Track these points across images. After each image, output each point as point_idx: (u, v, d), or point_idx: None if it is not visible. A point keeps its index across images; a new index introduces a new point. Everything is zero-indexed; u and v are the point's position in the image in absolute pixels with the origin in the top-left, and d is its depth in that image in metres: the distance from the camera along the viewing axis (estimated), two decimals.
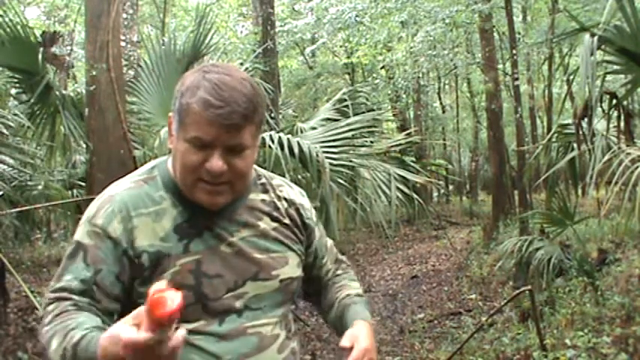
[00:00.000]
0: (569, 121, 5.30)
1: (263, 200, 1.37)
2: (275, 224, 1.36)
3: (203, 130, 1.17)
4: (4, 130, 4.74)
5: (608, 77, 5.15)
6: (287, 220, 1.39)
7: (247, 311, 1.28)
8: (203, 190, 1.22)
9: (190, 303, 1.21)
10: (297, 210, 1.42)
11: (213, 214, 1.28)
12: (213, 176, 1.20)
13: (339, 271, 1.56)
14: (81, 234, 1.24)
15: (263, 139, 3.67)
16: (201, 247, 1.26)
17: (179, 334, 0.95)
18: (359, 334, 1.31)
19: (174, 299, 0.93)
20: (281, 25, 13.18)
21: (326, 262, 1.52)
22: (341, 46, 15.86)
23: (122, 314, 1.21)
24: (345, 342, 1.30)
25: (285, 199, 1.41)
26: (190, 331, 1.21)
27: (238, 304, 1.27)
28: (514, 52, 8.06)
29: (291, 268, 1.36)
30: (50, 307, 1.18)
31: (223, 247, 1.28)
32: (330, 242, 1.55)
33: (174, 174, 1.28)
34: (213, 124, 1.17)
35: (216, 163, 1.19)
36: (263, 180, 1.40)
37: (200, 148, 1.19)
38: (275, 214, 1.37)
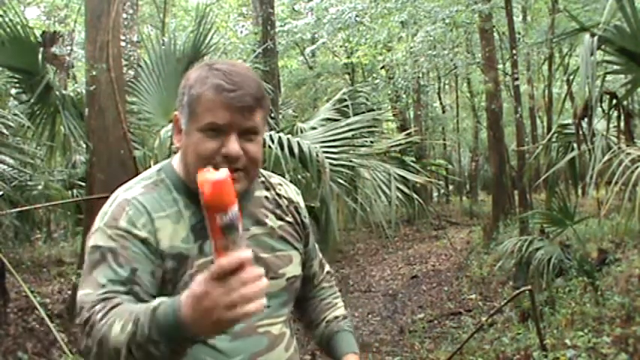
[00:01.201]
0: (569, 121, 5.29)
1: (266, 197, 1.38)
2: (280, 222, 1.38)
3: (218, 115, 1.19)
4: (4, 130, 4.74)
5: (608, 77, 5.14)
6: (290, 218, 1.40)
7: None
8: None
9: None
10: (296, 208, 1.44)
11: None
12: (230, 161, 1.20)
13: (324, 283, 1.58)
14: (102, 239, 1.18)
15: (263, 139, 3.66)
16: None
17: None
18: None
19: (215, 175, 0.94)
20: (281, 25, 13.18)
21: (314, 263, 1.54)
22: (341, 46, 15.86)
23: None
24: None
25: (285, 197, 1.42)
26: None
27: None
28: (514, 52, 8.07)
29: (295, 267, 1.38)
30: (98, 307, 1.08)
31: None
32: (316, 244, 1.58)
33: (185, 172, 1.27)
34: (228, 108, 1.18)
35: (233, 146, 1.19)
36: (262, 178, 1.42)
37: (215, 135, 1.20)
38: (278, 211, 1.39)
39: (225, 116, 1.19)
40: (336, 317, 1.52)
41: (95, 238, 1.19)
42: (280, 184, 1.44)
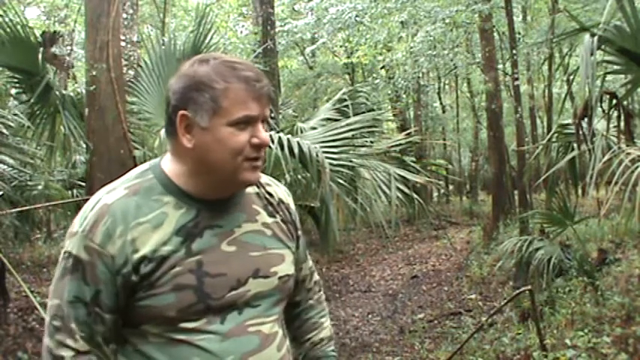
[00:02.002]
0: (569, 121, 5.29)
1: (257, 194, 1.38)
2: (271, 219, 1.37)
3: (251, 107, 1.22)
4: (4, 130, 4.74)
5: (608, 77, 5.15)
6: (281, 216, 1.40)
7: (248, 308, 1.28)
8: (247, 169, 1.25)
9: (192, 303, 1.21)
10: (287, 208, 1.43)
11: (219, 209, 1.28)
12: (259, 150, 1.24)
13: (311, 301, 1.57)
14: (77, 248, 1.21)
15: None
16: (203, 246, 1.24)
17: None
18: None
19: None
20: (281, 25, 13.17)
21: (304, 266, 1.53)
22: (341, 46, 15.84)
23: (125, 321, 1.24)
24: None
25: (275, 196, 1.42)
26: (192, 331, 1.21)
27: (240, 301, 1.27)
28: (514, 52, 8.06)
29: (287, 265, 1.36)
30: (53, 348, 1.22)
31: (224, 245, 1.27)
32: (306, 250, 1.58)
33: (191, 172, 1.26)
34: (259, 99, 1.23)
35: (265, 135, 1.25)
36: None
37: (244, 127, 1.22)
38: (270, 209, 1.38)
39: (256, 107, 1.22)
40: (322, 340, 1.55)
41: (72, 244, 1.22)
42: (269, 184, 1.43)
